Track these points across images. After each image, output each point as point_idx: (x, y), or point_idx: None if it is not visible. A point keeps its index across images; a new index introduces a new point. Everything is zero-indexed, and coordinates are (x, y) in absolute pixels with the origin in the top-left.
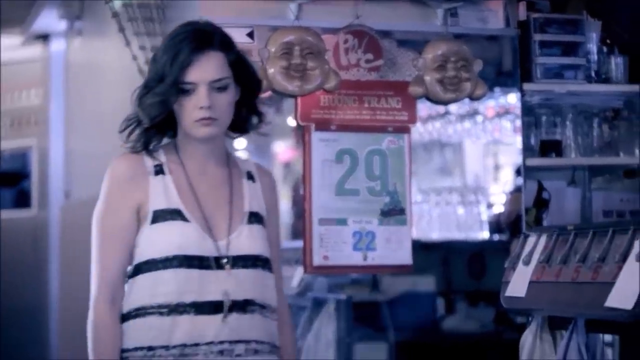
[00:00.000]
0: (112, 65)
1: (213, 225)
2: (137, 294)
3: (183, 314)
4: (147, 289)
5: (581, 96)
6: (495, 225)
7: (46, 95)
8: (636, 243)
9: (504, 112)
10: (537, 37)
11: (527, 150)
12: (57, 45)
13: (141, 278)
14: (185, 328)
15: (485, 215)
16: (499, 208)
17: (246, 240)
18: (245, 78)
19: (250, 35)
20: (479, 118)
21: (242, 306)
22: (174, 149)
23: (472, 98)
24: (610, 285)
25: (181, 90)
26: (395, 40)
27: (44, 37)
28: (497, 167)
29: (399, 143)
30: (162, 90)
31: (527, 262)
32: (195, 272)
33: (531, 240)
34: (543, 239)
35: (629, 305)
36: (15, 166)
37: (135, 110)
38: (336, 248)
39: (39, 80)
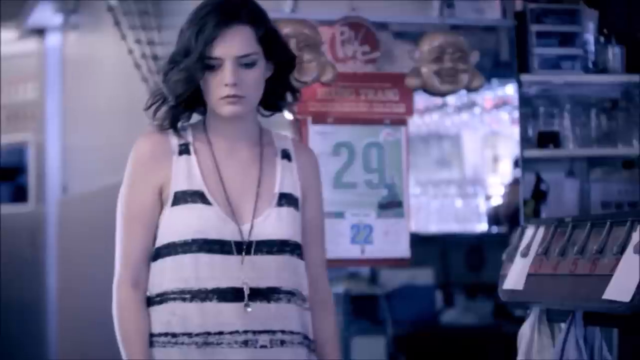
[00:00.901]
0: (108, 59)
1: (237, 208)
2: (159, 279)
3: (205, 300)
4: (168, 274)
5: (578, 87)
6: (494, 217)
7: (42, 90)
8: (634, 235)
9: (501, 104)
10: (534, 27)
11: (524, 141)
12: (53, 40)
13: (162, 262)
14: (208, 315)
15: (483, 207)
16: (497, 200)
17: (273, 224)
18: (276, 53)
19: None
20: (477, 110)
21: (266, 294)
22: (203, 128)
23: (469, 89)
24: (608, 277)
25: (207, 65)
26: (391, 32)
27: (40, 31)
28: (495, 159)
29: (396, 135)
30: (187, 65)
31: (525, 255)
32: (216, 257)
33: (529, 232)
34: (541, 231)
35: (627, 297)
36: (12, 161)
37: (161, 86)
38: (334, 241)
39: (35, 74)
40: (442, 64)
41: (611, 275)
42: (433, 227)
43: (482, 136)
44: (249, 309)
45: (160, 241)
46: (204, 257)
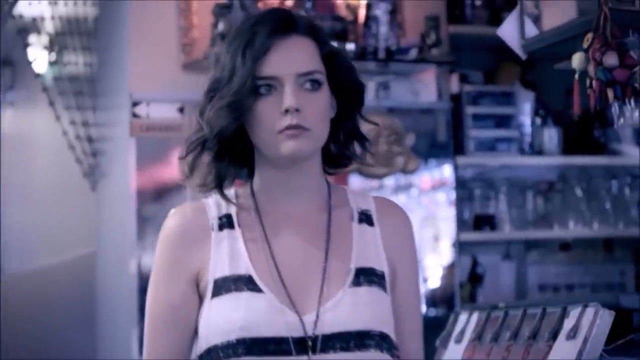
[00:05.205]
0: (44, 138)
1: (298, 294)
2: None
3: None
4: None
5: (515, 169)
6: (431, 300)
7: None
8: (566, 321)
9: (439, 185)
10: (470, 109)
11: (461, 224)
12: None
13: None
14: None
15: (421, 289)
16: (435, 282)
17: (348, 310)
18: (343, 83)
19: (181, 110)
20: (414, 191)
21: None
22: (251, 191)
23: (405, 172)
24: None
25: (257, 90)
26: None
27: None
28: (435, 240)
29: None
30: (232, 89)
31: (458, 341)
32: None
33: (463, 318)
34: (475, 316)
35: None
36: None
37: (199, 126)
38: None
39: None
40: (377, 146)
41: None
42: None
43: (420, 218)
44: None
45: (201, 346)
46: None
